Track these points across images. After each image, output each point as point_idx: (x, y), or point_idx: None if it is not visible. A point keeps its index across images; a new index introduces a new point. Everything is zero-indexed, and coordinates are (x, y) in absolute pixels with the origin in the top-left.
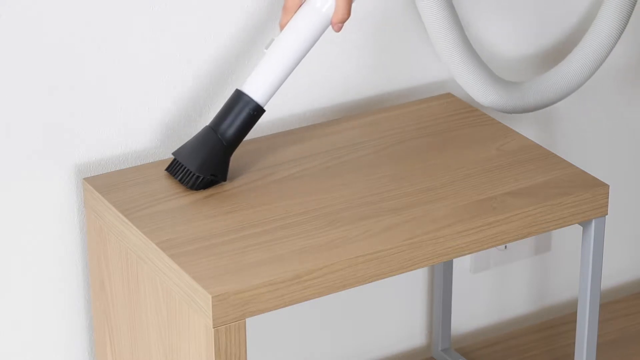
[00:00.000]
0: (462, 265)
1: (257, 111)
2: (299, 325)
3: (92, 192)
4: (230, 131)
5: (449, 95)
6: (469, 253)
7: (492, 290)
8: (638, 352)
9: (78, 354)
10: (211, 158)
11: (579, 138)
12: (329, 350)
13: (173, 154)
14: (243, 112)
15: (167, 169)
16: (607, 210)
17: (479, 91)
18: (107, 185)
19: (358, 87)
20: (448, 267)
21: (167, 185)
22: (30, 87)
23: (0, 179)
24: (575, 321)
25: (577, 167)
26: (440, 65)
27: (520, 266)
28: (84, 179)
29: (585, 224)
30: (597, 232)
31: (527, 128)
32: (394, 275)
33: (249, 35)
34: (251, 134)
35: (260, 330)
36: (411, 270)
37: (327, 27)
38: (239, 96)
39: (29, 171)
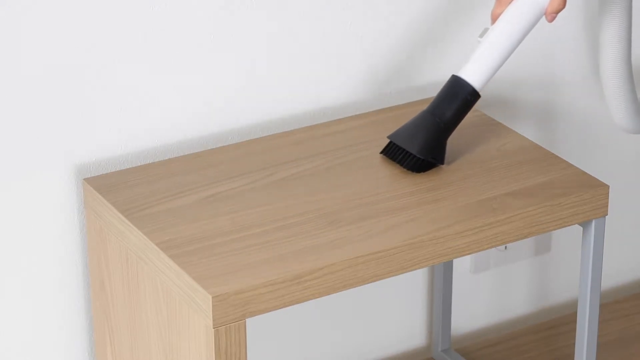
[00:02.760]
0: (462, 266)
1: (473, 96)
2: (299, 325)
3: (92, 192)
4: (448, 114)
5: None
6: (469, 253)
7: (492, 290)
8: (638, 352)
9: (78, 354)
10: (430, 140)
11: (579, 138)
12: (329, 350)
13: (389, 137)
14: (460, 96)
15: (382, 152)
16: (607, 210)
17: (626, 121)
18: (107, 186)
19: (358, 87)
20: (448, 267)
21: (167, 186)
22: (30, 87)
23: (0, 179)
24: (575, 321)
25: (577, 168)
26: (440, 65)
27: (520, 267)
28: (84, 179)
29: (585, 225)
30: (597, 232)
31: (527, 128)
32: (394, 275)
33: (251, 34)
34: (251, 134)
35: (260, 330)
36: (411, 270)
37: (541, 16)
38: (456, 81)
39: (29, 171)
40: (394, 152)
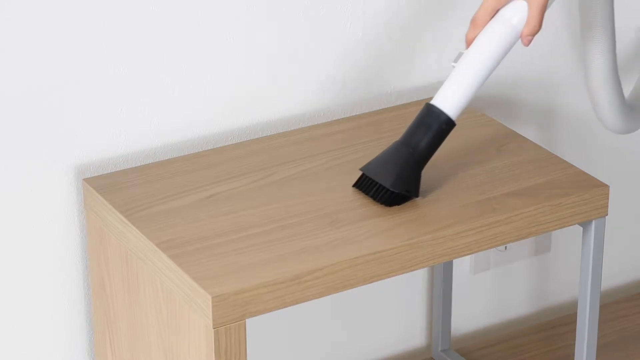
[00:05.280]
0: (462, 266)
1: (448, 125)
2: (299, 325)
3: (92, 192)
4: (422, 145)
5: None
6: (469, 254)
7: (492, 291)
8: (638, 352)
9: (78, 354)
10: (404, 173)
11: (579, 138)
12: (329, 351)
13: (361, 169)
14: (434, 126)
15: (355, 185)
16: (607, 210)
17: (612, 121)
18: (107, 186)
19: (358, 87)
20: (448, 267)
21: (167, 186)
22: (30, 87)
23: (0, 179)
24: (575, 322)
25: (577, 168)
26: (440, 65)
27: (520, 267)
28: (84, 179)
29: (585, 225)
30: (597, 232)
31: (527, 128)
32: (394, 275)
33: (252, 35)
34: (251, 134)
35: (260, 330)
36: (411, 270)
37: (516, 40)
38: (429, 110)
39: (29, 171)
40: (367, 186)
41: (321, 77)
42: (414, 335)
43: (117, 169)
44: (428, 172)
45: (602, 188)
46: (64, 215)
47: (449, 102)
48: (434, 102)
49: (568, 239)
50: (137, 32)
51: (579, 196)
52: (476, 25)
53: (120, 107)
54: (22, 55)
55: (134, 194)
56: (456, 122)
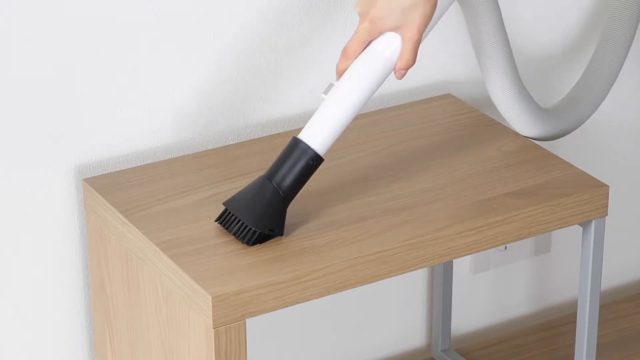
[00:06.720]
0: (462, 266)
1: (316, 160)
2: (299, 325)
3: (92, 192)
4: (287, 181)
5: (449, 95)
6: (469, 254)
7: (492, 291)
8: (638, 352)
9: (78, 354)
10: (268, 211)
11: (579, 138)
12: (329, 351)
13: (224, 204)
14: (300, 161)
15: (217, 220)
16: (607, 210)
17: (524, 125)
18: (107, 186)
19: None
20: (448, 267)
21: (167, 186)
22: (30, 87)
23: (0, 179)
24: (575, 322)
25: (577, 168)
26: (440, 65)
27: (520, 267)
28: (84, 179)
29: (585, 225)
30: (597, 232)
31: None
32: (394, 275)
33: (253, 35)
34: (251, 134)
35: (260, 330)
36: (411, 270)
37: (390, 72)
38: (296, 144)
39: (29, 171)
40: (229, 221)
41: (321, 77)
42: (414, 335)
43: (117, 169)
44: (428, 173)
45: (602, 188)
46: (64, 215)
47: (317, 136)
48: (301, 136)
49: (568, 239)
50: (137, 31)
51: (579, 196)
52: (347, 56)
53: (120, 107)
54: (21, 55)
55: (134, 194)
56: (324, 158)
